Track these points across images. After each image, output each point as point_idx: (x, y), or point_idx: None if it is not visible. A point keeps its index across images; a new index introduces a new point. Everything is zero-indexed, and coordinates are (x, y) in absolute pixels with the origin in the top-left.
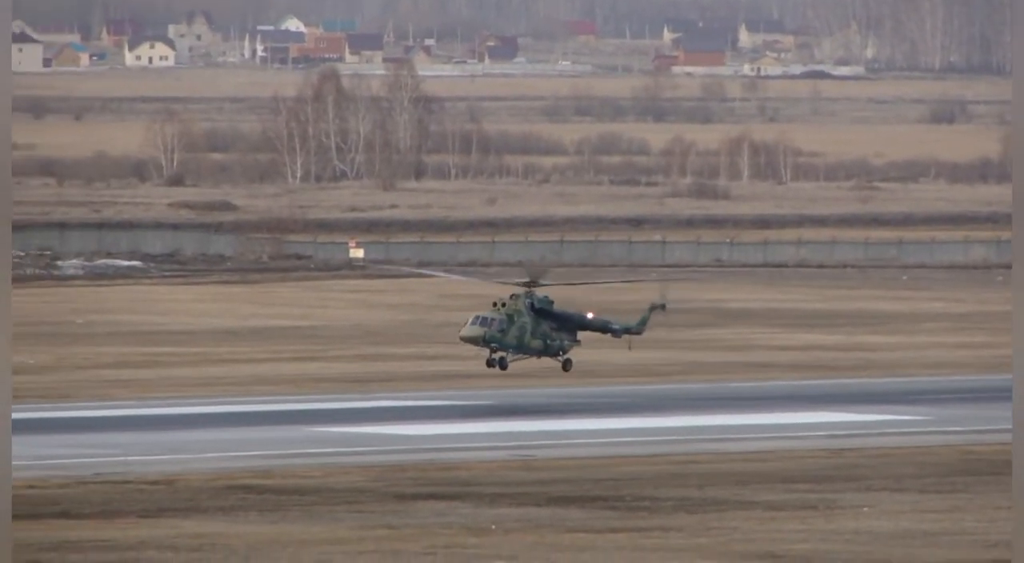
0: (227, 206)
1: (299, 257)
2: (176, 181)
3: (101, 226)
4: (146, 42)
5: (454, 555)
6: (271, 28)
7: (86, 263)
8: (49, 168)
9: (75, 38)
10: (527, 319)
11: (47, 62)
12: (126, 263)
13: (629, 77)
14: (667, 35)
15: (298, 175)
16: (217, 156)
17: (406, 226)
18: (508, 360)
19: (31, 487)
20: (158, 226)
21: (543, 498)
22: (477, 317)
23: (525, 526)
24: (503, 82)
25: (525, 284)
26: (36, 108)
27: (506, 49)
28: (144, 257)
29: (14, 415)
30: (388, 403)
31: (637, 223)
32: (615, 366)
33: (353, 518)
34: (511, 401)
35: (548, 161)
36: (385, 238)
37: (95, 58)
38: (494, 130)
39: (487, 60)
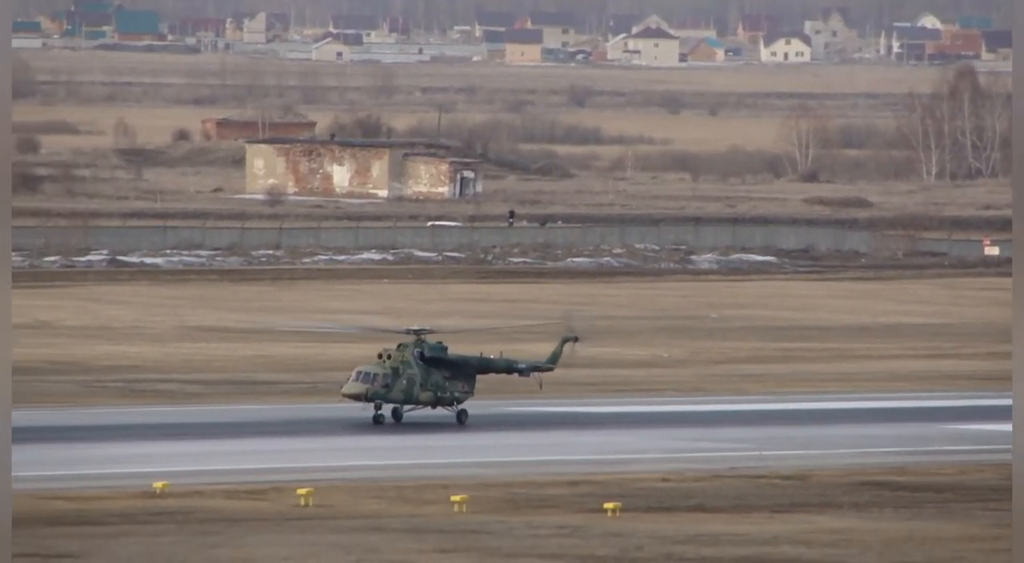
0: (861, 202)
1: (933, 254)
2: (810, 177)
3: (735, 221)
4: (782, 38)
5: None
6: (907, 25)
7: (720, 258)
8: (684, 163)
9: (711, 33)
10: (416, 370)
11: (683, 57)
12: (760, 258)
13: None
14: None
15: (933, 172)
16: (852, 152)
17: None
18: (403, 410)
19: (665, 480)
20: (792, 222)
21: None
22: (359, 372)
23: None
24: None
25: (414, 332)
26: (672, 103)
27: None
28: (778, 252)
29: (648, 408)
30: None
31: None
32: None
33: (987, 517)
34: None
35: None
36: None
37: (730, 53)
38: None
39: None
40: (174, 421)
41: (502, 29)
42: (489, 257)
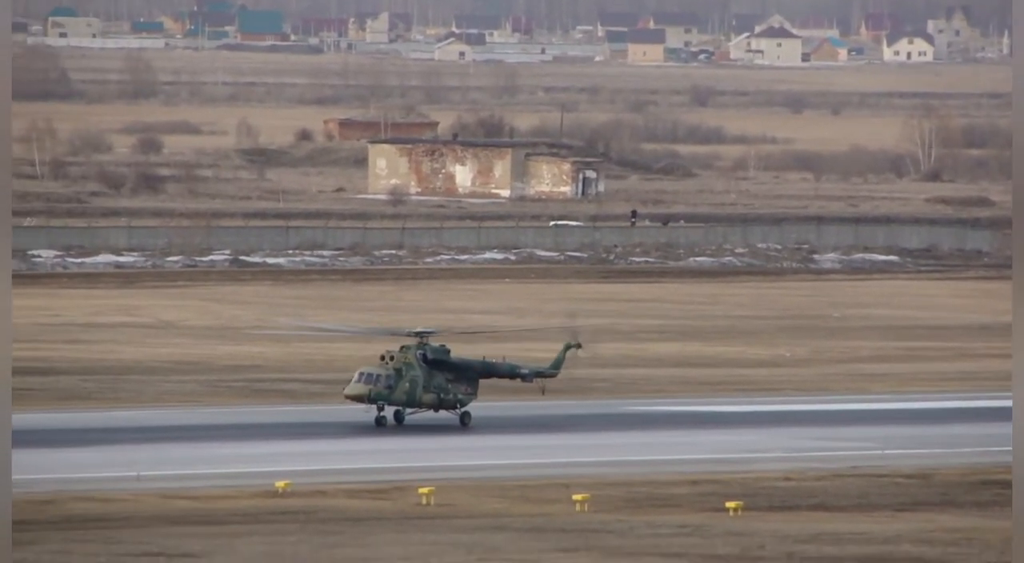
0: (984, 202)
1: None
2: (933, 176)
3: (858, 221)
4: (904, 37)
5: None
6: None
7: (843, 257)
8: (807, 162)
9: (834, 33)
10: (418, 372)
11: (805, 57)
12: (882, 257)
13: None
14: None
15: None
16: (974, 152)
17: None
18: (405, 413)
19: (787, 479)
20: (915, 221)
21: None
22: (362, 373)
23: None
24: None
25: (416, 334)
26: (794, 103)
27: None
28: (900, 252)
29: (770, 407)
30: None
31: None
32: None
33: None
34: None
35: None
36: None
37: (853, 53)
38: None
39: None
40: (296, 421)
41: (624, 29)
42: (611, 257)
